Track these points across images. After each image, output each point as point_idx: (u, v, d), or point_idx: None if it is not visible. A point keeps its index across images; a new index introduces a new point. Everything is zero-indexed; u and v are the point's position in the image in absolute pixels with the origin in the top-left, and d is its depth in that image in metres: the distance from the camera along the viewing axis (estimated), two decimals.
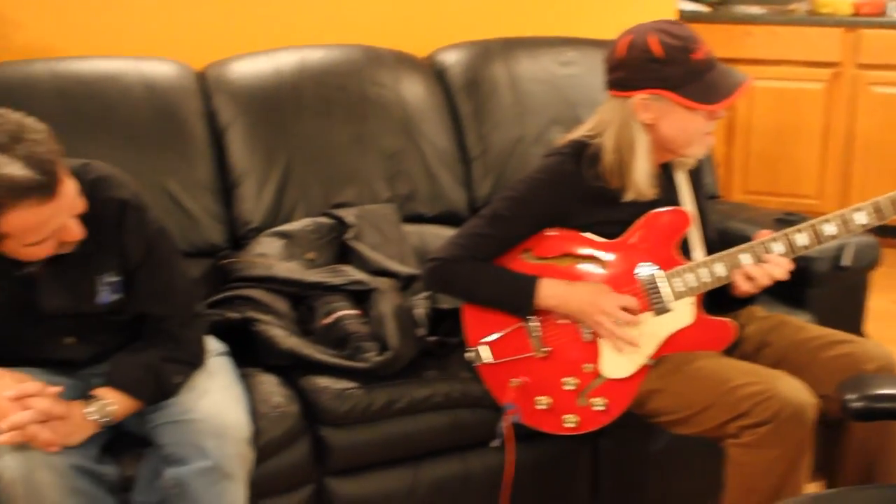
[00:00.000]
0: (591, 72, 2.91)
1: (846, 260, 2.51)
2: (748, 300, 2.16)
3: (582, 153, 2.10)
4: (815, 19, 4.57)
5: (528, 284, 2.08)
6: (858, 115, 4.51)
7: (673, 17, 3.47)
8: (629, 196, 2.08)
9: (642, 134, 2.04)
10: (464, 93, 2.84)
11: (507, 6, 3.22)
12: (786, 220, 2.58)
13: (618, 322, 2.02)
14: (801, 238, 2.04)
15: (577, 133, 2.15)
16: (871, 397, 1.60)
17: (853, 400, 1.60)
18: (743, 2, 4.94)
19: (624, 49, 2.02)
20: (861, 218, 2.01)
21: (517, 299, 2.09)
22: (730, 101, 1.99)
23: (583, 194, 2.09)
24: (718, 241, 2.24)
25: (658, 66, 1.98)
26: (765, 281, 2.03)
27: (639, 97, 2.01)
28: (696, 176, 2.24)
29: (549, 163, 2.15)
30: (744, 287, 2.04)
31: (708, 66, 2.00)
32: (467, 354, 2.16)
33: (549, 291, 2.07)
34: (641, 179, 2.06)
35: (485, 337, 2.14)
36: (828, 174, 4.58)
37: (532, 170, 2.19)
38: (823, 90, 4.53)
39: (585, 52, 2.99)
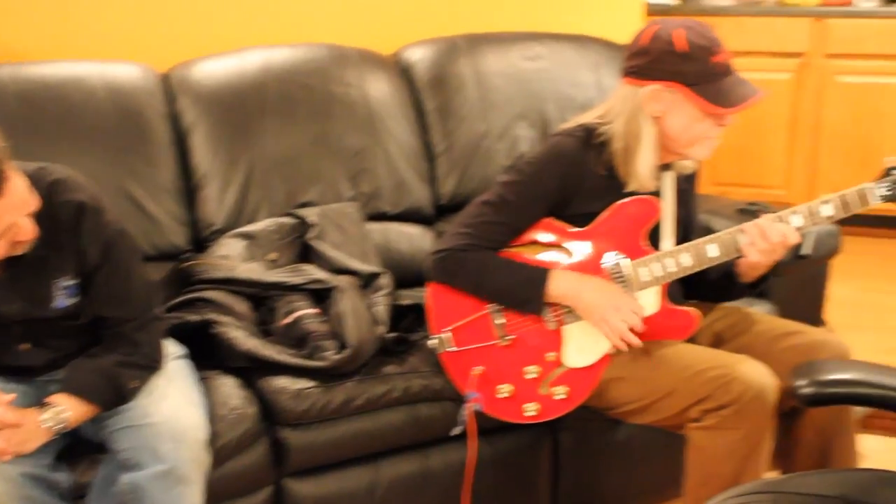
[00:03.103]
0: (557, 66, 2.93)
1: (806, 249, 2.53)
2: (756, 284, 2.17)
3: (590, 137, 2.10)
4: (784, 10, 4.61)
5: (539, 276, 2.07)
6: (825, 105, 4.55)
7: (641, 10, 3.48)
8: (631, 187, 2.09)
9: (650, 125, 2.05)
10: (429, 89, 2.84)
11: (473, 2, 3.23)
12: (748, 211, 2.60)
13: (628, 322, 2.03)
14: None
15: (586, 117, 2.15)
16: (821, 382, 1.61)
17: (803, 386, 1.61)
18: None
19: (648, 38, 2.03)
20: (828, 210, 2.02)
21: (527, 291, 2.08)
22: (740, 108, 2.00)
23: (586, 180, 2.09)
24: None
25: (678, 59, 1.99)
26: (776, 248, 2.03)
27: (652, 87, 2.02)
28: (688, 178, 2.25)
29: (555, 143, 2.15)
30: (755, 258, 2.03)
31: (726, 71, 2.01)
32: (430, 342, 2.16)
33: (561, 283, 2.07)
34: (644, 172, 2.07)
35: (449, 325, 2.14)
36: (795, 164, 4.62)
37: (537, 151, 2.18)
38: (791, 80, 4.57)
39: (552, 46, 2.99)
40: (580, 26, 3.18)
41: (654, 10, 4.26)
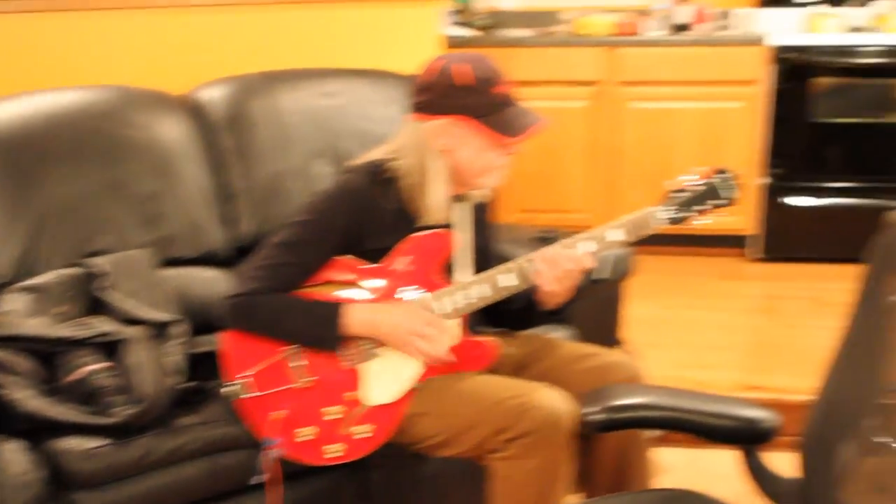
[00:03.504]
0: (353, 102, 2.93)
1: (602, 273, 2.61)
2: (559, 310, 2.20)
3: (377, 174, 2.11)
4: (577, 40, 4.76)
5: (333, 312, 2.05)
6: (620, 131, 4.72)
7: (438, 43, 3.53)
8: (424, 221, 2.10)
9: (439, 159, 2.07)
10: (225, 129, 2.80)
11: (268, 40, 3.21)
12: (544, 238, 2.66)
13: (433, 340, 2.04)
14: None
15: (376, 154, 2.16)
16: (609, 409, 1.66)
17: (593, 413, 1.65)
18: (509, 25, 5.11)
19: (432, 74, 2.05)
20: (616, 235, 2.09)
21: (322, 329, 2.06)
22: (525, 136, 2.04)
23: (378, 216, 2.09)
24: None
25: (463, 93, 2.02)
26: (570, 275, 2.07)
27: (439, 122, 2.04)
28: (481, 207, 2.29)
29: (342, 181, 2.15)
30: (549, 286, 2.07)
31: (509, 101, 2.05)
32: (226, 390, 2.11)
33: (357, 316, 2.05)
34: (436, 205, 2.09)
35: (245, 371, 2.10)
36: (595, 188, 4.78)
37: (326, 189, 2.17)
38: (587, 108, 4.72)
39: (349, 82, 3.00)
40: (379, 61, 3.20)
41: (453, 43, 4.34)
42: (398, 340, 2.06)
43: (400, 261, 2.11)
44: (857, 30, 4.78)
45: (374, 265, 2.12)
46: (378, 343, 2.09)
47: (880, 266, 1.62)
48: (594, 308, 2.68)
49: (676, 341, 3.78)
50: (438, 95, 2.04)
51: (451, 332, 2.09)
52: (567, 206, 4.77)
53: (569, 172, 4.77)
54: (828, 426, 1.65)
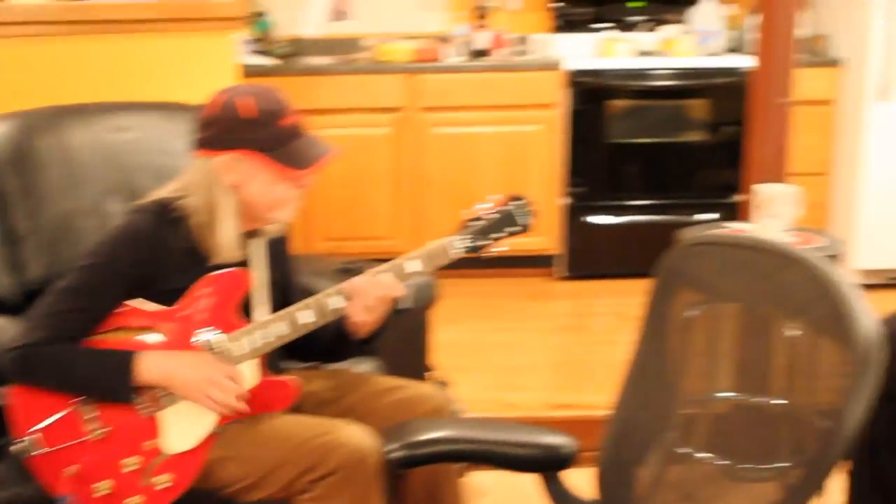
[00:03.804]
0: (147, 137, 2.83)
1: (405, 303, 2.60)
2: (369, 340, 2.17)
3: (165, 213, 2.04)
4: (378, 67, 4.78)
5: (125, 361, 1.96)
6: (425, 157, 4.75)
7: (235, 73, 3.47)
8: (216, 259, 2.04)
9: (228, 195, 2.01)
10: (8, 169, 2.65)
11: (56, 73, 3.08)
12: (347, 269, 2.64)
13: (226, 391, 1.97)
14: None
15: (163, 192, 2.08)
16: (410, 445, 1.65)
17: (394, 450, 1.64)
18: (310, 53, 5.07)
19: (215, 108, 2.00)
20: (414, 266, 2.08)
21: (114, 379, 1.96)
22: (315, 169, 2.01)
23: (167, 256, 2.02)
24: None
25: (248, 126, 1.97)
26: (380, 302, 2.05)
27: (225, 157, 1.99)
28: (278, 241, 2.24)
29: (128, 221, 2.06)
30: (360, 317, 2.05)
31: (296, 133, 2.02)
32: (15, 447, 1.99)
33: (150, 365, 1.96)
34: (228, 242, 2.03)
35: (35, 425, 1.99)
36: (401, 215, 4.79)
37: (111, 230, 2.08)
38: (391, 134, 4.73)
39: (143, 116, 2.89)
40: (175, 93, 3.11)
41: (251, 72, 4.28)
42: (192, 391, 1.98)
43: (195, 302, 2.05)
44: (647, 54, 4.98)
45: (168, 308, 2.05)
46: (179, 392, 2.01)
47: (670, 282, 1.67)
48: (400, 339, 2.66)
49: (486, 364, 3.83)
50: (223, 130, 2.00)
51: (246, 382, 2.03)
52: (374, 234, 4.76)
53: (374, 200, 4.77)
54: (624, 445, 1.69)
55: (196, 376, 1.98)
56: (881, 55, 4.54)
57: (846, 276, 1.34)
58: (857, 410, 1.26)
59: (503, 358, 3.91)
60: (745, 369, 1.61)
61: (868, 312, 1.28)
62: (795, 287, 1.40)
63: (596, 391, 3.44)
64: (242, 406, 1.99)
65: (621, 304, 4.45)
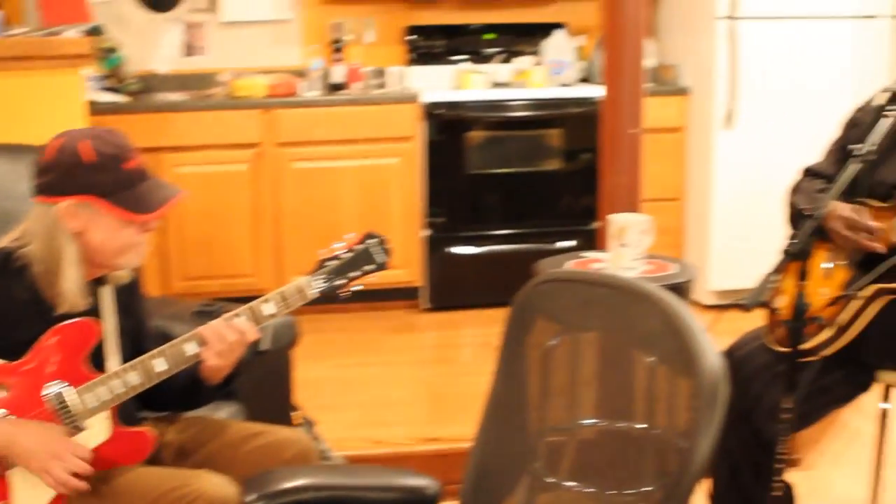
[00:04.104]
0: None
1: (265, 344, 2.56)
2: (224, 384, 2.11)
3: (6, 262, 1.96)
4: (234, 103, 4.72)
5: None
6: (283, 192, 4.70)
7: (83, 111, 3.37)
8: (62, 309, 1.96)
9: (70, 242, 1.94)
10: None
11: None
12: (204, 312, 2.58)
13: (70, 468, 1.89)
14: None
15: (3, 240, 2.00)
16: (268, 495, 1.61)
17: (252, 501, 1.60)
18: (163, 89, 4.97)
19: (53, 152, 1.93)
20: (269, 309, 2.04)
21: None
22: (161, 213, 1.97)
23: (12, 307, 1.95)
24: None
25: (88, 171, 1.91)
26: (234, 347, 2.00)
27: (66, 203, 1.92)
28: (129, 287, 2.16)
29: None
30: (214, 362, 1.99)
31: (140, 176, 1.97)
32: None
33: None
34: (72, 291, 1.95)
35: None
36: (261, 252, 4.72)
37: None
38: (248, 171, 4.67)
39: None
40: (21, 133, 3.00)
41: (100, 110, 4.18)
42: (34, 464, 1.90)
43: (42, 354, 1.96)
44: (502, 85, 5.05)
45: (14, 362, 1.96)
46: (16, 460, 1.92)
47: (526, 316, 1.68)
48: (262, 380, 2.63)
49: (352, 401, 3.79)
50: (62, 175, 1.93)
51: (86, 456, 1.95)
52: (234, 272, 4.67)
53: (234, 237, 4.69)
54: (487, 478, 1.69)
55: (38, 449, 1.90)
56: (725, 84, 4.71)
57: (691, 312, 1.37)
58: (708, 440, 1.28)
59: (369, 394, 3.88)
60: (607, 396, 1.63)
61: (712, 347, 1.31)
62: (645, 323, 1.42)
63: (463, 423, 3.40)
64: (82, 485, 1.91)
65: (486, 335, 4.47)
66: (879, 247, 2.21)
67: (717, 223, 4.85)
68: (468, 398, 3.79)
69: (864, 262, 2.28)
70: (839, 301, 2.28)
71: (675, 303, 1.37)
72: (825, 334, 2.27)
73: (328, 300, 2.08)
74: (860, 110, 2.47)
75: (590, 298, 1.57)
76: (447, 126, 4.80)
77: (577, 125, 4.88)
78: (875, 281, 2.24)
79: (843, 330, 2.25)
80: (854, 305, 2.24)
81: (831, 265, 2.33)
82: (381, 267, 2.09)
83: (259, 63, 5.03)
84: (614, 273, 2.65)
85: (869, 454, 2.66)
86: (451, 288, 4.93)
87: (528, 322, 1.69)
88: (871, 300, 2.26)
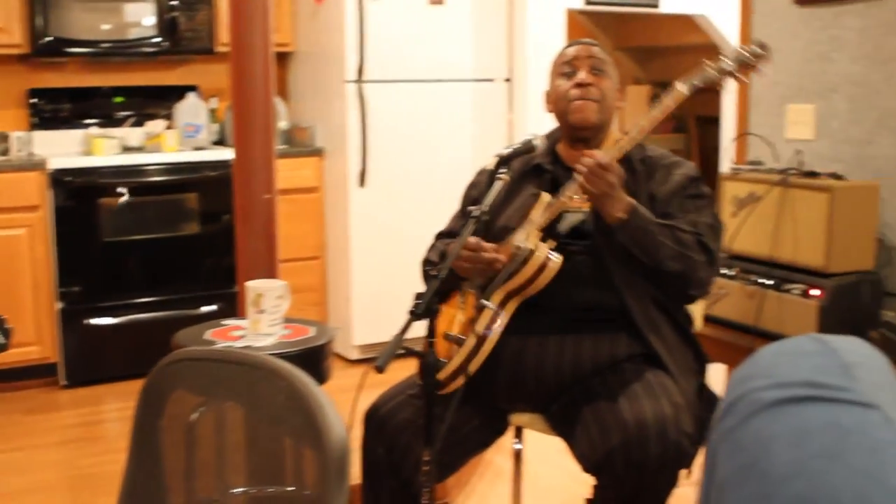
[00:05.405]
0: None
1: None
2: None
3: None
4: None
5: None
6: None
7: None
8: None
9: None
10: None
11: None
12: None
13: None
14: None
15: None
16: None
17: None
18: None
19: None
20: None
21: None
22: None
23: None
24: None
25: None
26: None
27: None
28: None
29: None
30: None
31: None
32: None
33: None
34: None
35: None
36: None
37: None
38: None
39: None
40: None
41: None
42: None
43: None
44: (134, 150, 4.94)
45: None
46: None
47: (160, 394, 1.66)
48: None
49: None
50: None
51: None
52: None
53: None
54: None
55: None
56: (357, 145, 4.88)
57: (317, 387, 1.41)
58: None
59: (7, 483, 3.62)
60: (257, 463, 1.63)
61: (338, 422, 1.35)
62: (273, 399, 1.45)
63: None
64: None
65: (130, 407, 4.29)
66: (501, 257, 2.36)
67: (357, 279, 4.99)
68: (115, 476, 3.64)
69: (489, 283, 2.42)
70: (476, 316, 2.38)
71: (301, 378, 1.40)
72: (469, 344, 2.36)
73: None
74: (480, 173, 2.65)
75: (221, 376, 1.57)
76: (77, 193, 4.61)
77: (214, 188, 4.86)
78: (501, 287, 2.37)
79: (483, 339, 2.36)
80: (488, 313, 2.37)
81: (464, 297, 2.46)
82: (3, 348, 1.99)
83: None
84: (250, 343, 2.65)
85: (510, 490, 2.83)
86: (91, 361, 4.72)
87: (161, 402, 1.66)
88: (502, 306, 2.39)
